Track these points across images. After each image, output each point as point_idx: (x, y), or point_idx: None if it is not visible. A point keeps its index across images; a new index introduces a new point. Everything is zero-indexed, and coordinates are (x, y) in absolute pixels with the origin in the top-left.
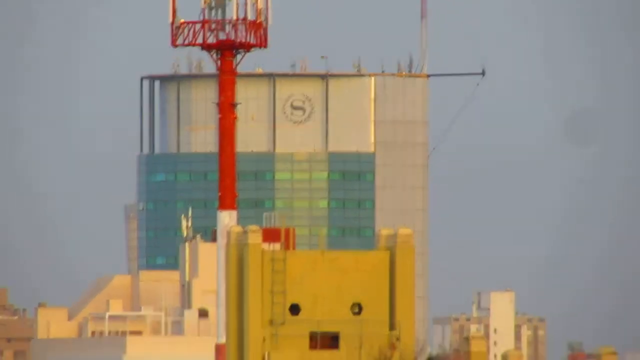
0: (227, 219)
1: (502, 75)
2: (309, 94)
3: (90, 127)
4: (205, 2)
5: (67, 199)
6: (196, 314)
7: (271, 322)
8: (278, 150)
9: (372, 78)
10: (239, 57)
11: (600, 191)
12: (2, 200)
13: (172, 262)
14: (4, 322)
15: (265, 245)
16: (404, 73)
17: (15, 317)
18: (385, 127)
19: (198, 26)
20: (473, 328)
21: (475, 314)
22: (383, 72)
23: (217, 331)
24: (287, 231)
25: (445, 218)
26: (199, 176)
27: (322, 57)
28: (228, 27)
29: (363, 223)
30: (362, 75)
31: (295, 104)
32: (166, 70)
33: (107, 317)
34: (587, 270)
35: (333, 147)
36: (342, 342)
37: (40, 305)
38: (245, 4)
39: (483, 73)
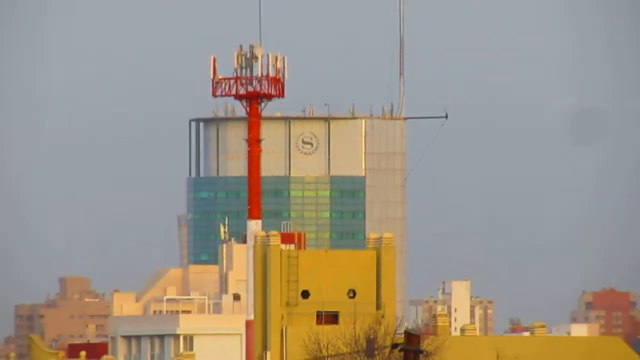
0: (254, 226)
1: (465, 114)
2: (315, 132)
3: (152, 157)
4: (237, 63)
5: (135, 212)
6: (231, 297)
7: (287, 304)
8: (292, 174)
9: (363, 120)
10: (263, 104)
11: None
12: (89, 213)
13: (213, 259)
14: (88, 303)
15: (283, 246)
16: (387, 116)
17: (97, 300)
18: (373, 157)
19: (232, 81)
20: (439, 308)
21: (440, 297)
22: (371, 115)
23: (247, 310)
24: (299, 235)
25: (419, 225)
26: (233, 194)
27: (325, 104)
28: (255, 82)
29: (356, 229)
30: (356, 118)
31: (305, 139)
32: (208, 114)
33: (164, 300)
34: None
35: (334, 172)
36: (340, 319)
37: (115, 290)
38: (268, 64)
39: (446, 116)
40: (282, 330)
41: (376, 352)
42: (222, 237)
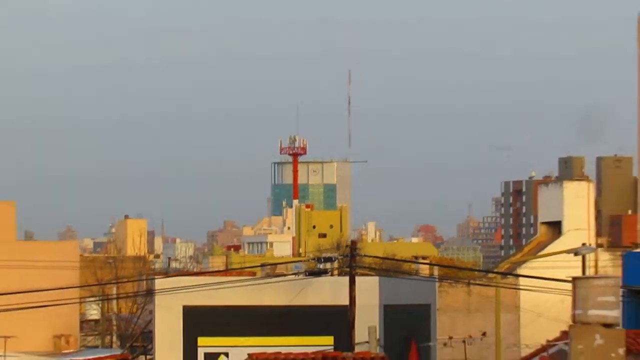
0: (296, 202)
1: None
2: (318, 168)
3: (257, 177)
4: (289, 141)
5: (250, 198)
6: (287, 227)
7: (307, 231)
8: (310, 182)
9: (335, 163)
10: (299, 158)
11: None
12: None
13: (280, 214)
14: (234, 231)
15: (307, 209)
16: (344, 161)
17: (237, 229)
18: (340, 179)
19: (287, 148)
20: (363, 232)
21: (363, 228)
22: (339, 160)
23: (292, 232)
24: (312, 205)
25: (358, 201)
26: (289, 190)
27: (321, 157)
28: (295, 149)
29: (333, 202)
30: (332, 162)
31: (314, 170)
32: (278, 160)
33: (262, 229)
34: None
35: (325, 182)
36: (327, 236)
37: (244, 225)
38: (301, 142)
39: (366, 161)
40: (305, 241)
41: (341, 248)
42: (284, 206)
